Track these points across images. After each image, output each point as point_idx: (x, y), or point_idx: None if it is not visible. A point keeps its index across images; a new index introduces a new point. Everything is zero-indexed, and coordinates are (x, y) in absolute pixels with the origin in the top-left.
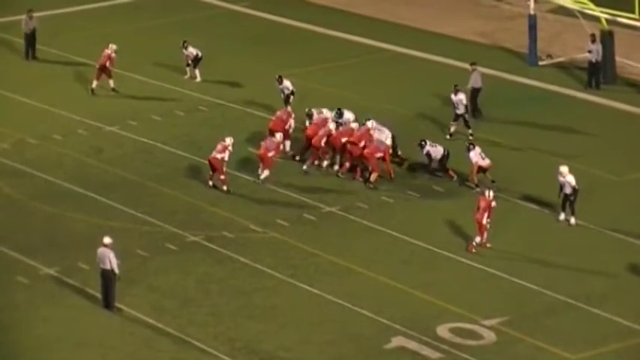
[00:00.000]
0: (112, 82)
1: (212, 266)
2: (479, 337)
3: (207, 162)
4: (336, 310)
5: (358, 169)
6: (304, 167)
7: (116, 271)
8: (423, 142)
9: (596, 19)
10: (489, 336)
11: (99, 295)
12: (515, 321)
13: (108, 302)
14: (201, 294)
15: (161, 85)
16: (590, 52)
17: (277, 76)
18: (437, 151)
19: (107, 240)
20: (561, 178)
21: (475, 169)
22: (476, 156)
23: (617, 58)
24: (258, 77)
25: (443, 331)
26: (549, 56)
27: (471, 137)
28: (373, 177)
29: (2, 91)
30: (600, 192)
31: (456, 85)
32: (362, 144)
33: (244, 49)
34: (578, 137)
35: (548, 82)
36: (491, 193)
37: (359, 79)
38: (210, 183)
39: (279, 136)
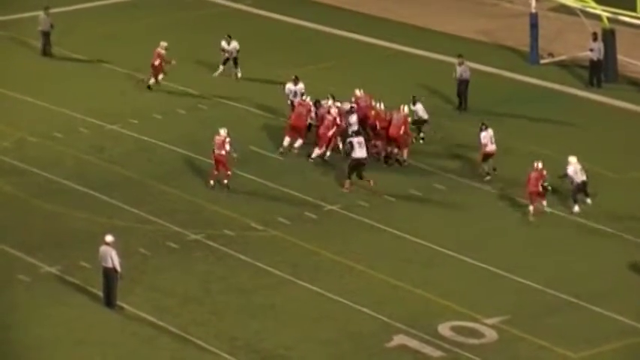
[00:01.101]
0: (152, 80)
1: (213, 265)
2: (480, 335)
3: (212, 160)
4: (337, 308)
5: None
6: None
7: (118, 269)
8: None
9: (598, 17)
10: (491, 334)
11: (100, 294)
12: (516, 319)
13: (109, 301)
14: (202, 292)
15: (163, 83)
16: (591, 50)
17: (293, 77)
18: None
19: (109, 238)
20: (571, 168)
21: (482, 150)
22: (485, 138)
23: (619, 57)
24: (259, 76)
25: (444, 329)
26: (551, 55)
27: (422, 141)
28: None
29: (3, 89)
30: (602, 190)
31: (414, 96)
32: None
33: (246, 48)
34: (579, 135)
35: (549, 80)
36: (540, 164)
37: (361, 77)
38: (212, 182)
39: (333, 111)
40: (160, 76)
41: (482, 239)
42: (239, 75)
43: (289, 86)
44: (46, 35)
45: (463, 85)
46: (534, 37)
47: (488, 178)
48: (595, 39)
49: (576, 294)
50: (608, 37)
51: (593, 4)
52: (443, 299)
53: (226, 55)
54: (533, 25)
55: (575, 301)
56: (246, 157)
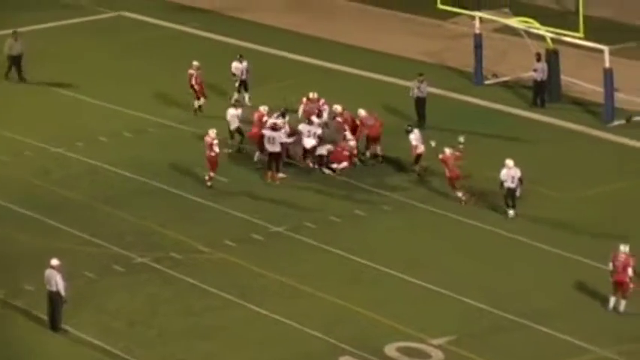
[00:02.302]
0: (196, 103)
1: (160, 287)
2: (426, 356)
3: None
4: (285, 330)
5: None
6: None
7: (62, 293)
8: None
9: (542, 38)
10: (437, 355)
11: (45, 317)
12: (462, 340)
13: (54, 324)
14: (149, 315)
15: (108, 106)
16: (535, 70)
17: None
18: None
19: (54, 262)
20: (505, 171)
21: (414, 152)
22: (415, 140)
23: (563, 77)
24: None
25: (391, 350)
26: (495, 75)
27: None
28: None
29: None
30: (546, 210)
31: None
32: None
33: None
34: (523, 155)
35: (493, 100)
36: (449, 150)
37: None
38: (209, 184)
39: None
40: (196, 102)
41: (428, 259)
42: (247, 101)
43: (231, 111)
44: (15, 59)
45: (421, 102)
46: (478, 58)
47: (420, 176)
48: (539, 59)
49: (522, 313)
50: (552, 58)
51: (537, 25)
52: (389, 320)
53: (236, 78)
54: (478, 46)
55: (521, 321)
56: (192, 179)
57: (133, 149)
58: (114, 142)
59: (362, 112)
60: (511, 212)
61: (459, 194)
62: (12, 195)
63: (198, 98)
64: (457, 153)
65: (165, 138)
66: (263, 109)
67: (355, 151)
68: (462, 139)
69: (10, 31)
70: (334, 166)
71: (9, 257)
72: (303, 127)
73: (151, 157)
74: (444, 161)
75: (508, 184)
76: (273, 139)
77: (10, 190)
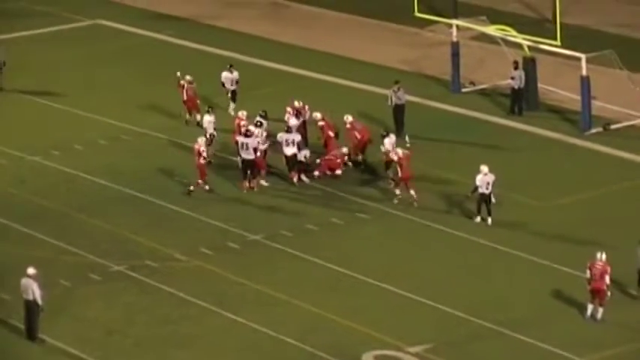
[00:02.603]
0: (188, 116)
1: (137, 296)
2: None
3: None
4: (261, 338)
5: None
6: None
7: (39, 302)
8: None
9: (519, 46)
10: None
11: (21, 326)
12: (440, 348)
13: (31, 333)
14: (126, 324)
15: (83, 114)
16: (512, 78)
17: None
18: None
19: (31, 271)
20: (481, 177)
21: (386, 158)
22: (388, 144)
23: (540, 85)
24: (181, 105)
25: (368, 358)
26: (472, 83)
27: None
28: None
29: None
30: (524, 218)
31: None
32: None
33: (169, 78)
34: (501, 163)
35: (471, 108)
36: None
37: (283, 106)
38: (207, 187)
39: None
40: (188, 116)
41: (405, 267)
42: (231, 110)
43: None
44: None
45: (399, 110)
46: (456, 66)
47: (392, 184)
48: (516, 67)
49: (499, 321)
50: (529, 66)
51: (514, 33)
52: (366, 328)
53: (226, 89)
54: (455, 54)
55: (498, 329)
56: (168, 187)
57: (108, 157)
58: (89, 150)
59: (349, 118)
60: (478, 218)
61: (412, 192)
62: None
63: (190, 113)
64: (408, 152)
65: (140, 146)
66: (241, 114)
67: (345, 158)
68: (407, 138)
69: None
70: (316, 173)
71: None
72: (281, 135)
73: (127, 165)
74: (399, 162)
75: (482, 189)
76: (247, 145)
77: None
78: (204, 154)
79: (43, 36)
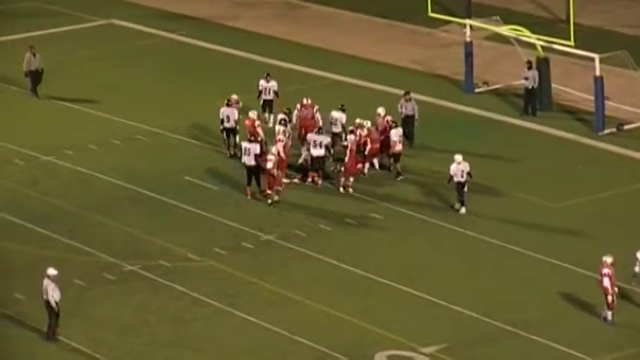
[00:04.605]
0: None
1: (150, 295)
2: None
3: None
4: (274, 338)
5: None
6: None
7: (52, 304)
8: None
9: (532, 46)
10: None
11: (36, 326)
12: (453, 348)
13: (47, 334)
14: (139, 324)
15: (97, 113)
16: (526, 78)
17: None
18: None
19: (50, 271)
20: (455, 165)
21: (392, 150)
22: (395, 135)
23: (553, 85)
24: (195, 106)
25: (381, 358)
26: (485, 83)
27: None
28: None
29: None
30: (537, 218)
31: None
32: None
33: (182, 78)
34: (514, 164)
35: (484, 109)
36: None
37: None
38: (276, 197)
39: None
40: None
41: (419, 268)
42: (270, 123)
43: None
44: (34, 75)
45: (409, 121)
46: (469, 66)
47: (400, 178)
48: (530, 67)
49: (512, 322)
50: (543, 66)
51: (528, 33)
52: (380, 328)
53: (262, 97)
54: (468, 54)
55: (511, 329)
56: (182, 187)
57: (122, 157)
58: (103, 150)
59: (368, 123)
60: (462, 210)
61: (367, 166)
62: (1, 204)
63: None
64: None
65: (154, 146)
66: (252, 114)
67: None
68: (380, 110)
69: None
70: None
71: None
72: (310, 136)
73: (141, 165)
74: (369, 137)
75: (458, 178)
76: (249, 150)
77: None
78: (270, 163)
79: (56, 35)
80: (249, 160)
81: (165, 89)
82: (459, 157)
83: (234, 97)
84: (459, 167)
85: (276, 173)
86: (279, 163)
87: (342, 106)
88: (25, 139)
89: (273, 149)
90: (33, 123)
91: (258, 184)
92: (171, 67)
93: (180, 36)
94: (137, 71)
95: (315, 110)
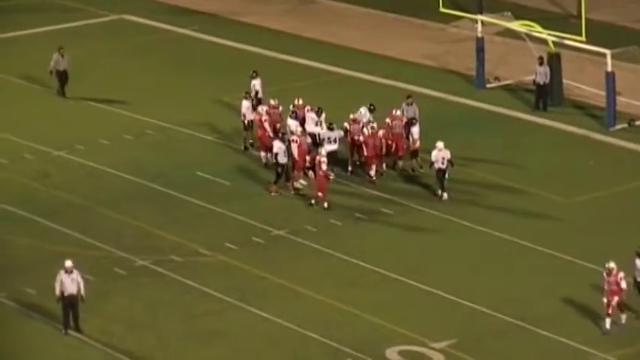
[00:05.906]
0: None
1: (160, 290)
2: (428, 359)
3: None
4: (285, 333)
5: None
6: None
7: (82, 293)
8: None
9: (544, 41)
10: (438, 359)
11: (47, 320)
12: (463, 343)
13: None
14: (149, 318)
15: (109, 108)
16: (537, 74)
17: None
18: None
19: (66, 264)
20: (436, 152)
21: (414, 145)
22: (416, 133)
23: (564, 80)
24: (205, 100)
25: (392, 353)
26: (497, 79)
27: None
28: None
29: None
30: (548, 214)
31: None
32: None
33: (193, 73)
34: (525, 159)
35: (495, 104)
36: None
37: (307, 102)
38: (325, 205)
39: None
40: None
41: (429, 263)
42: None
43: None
44: (61, 75)
45: (411, 125)
46: (480, 62)
47: (422, 170)
48: (541, 63)
49: (522, 317)
50: (554, 61)
51: (539, 29)
52: (390, 323)
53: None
54: (480, 50)
55: (522, 324)
56: (192, 182)
57: (133, 152)
58: (114, 145)
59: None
60: (445, 196)
61: (372, 173)
62: (12, 198)
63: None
64: (373, 132)
65: (165, 141)
66: (261, 109)
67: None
68: (364, 110)
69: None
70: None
71: (9, 260)
72: (324, 133)
73: (152, 159)
74: (365, 141)
75: (438, 164)
76: (280, 149)
77: (9, 193)
78: (324, 165)
79: (68, 30)
80: (281, 159)
81: (176, 84)
82: (440, 144)
83: (273, 102)
84: (439, 154)
85: (321, 174)
86: (294, 162)
87: (371, 105)
88: (36, 133)
89: (323, 151)
90: (43, 118)
91: (288, 180)
92: (182, 63)
93: (192, 31)
94: (148, 66)
95: (306, 110)
